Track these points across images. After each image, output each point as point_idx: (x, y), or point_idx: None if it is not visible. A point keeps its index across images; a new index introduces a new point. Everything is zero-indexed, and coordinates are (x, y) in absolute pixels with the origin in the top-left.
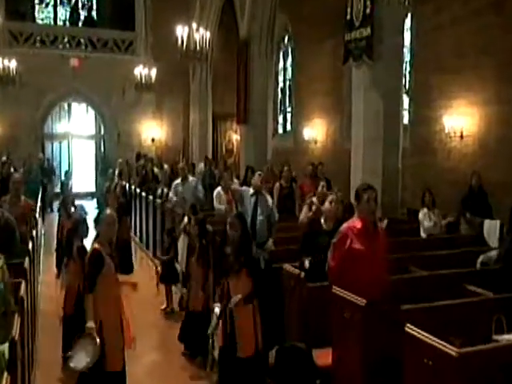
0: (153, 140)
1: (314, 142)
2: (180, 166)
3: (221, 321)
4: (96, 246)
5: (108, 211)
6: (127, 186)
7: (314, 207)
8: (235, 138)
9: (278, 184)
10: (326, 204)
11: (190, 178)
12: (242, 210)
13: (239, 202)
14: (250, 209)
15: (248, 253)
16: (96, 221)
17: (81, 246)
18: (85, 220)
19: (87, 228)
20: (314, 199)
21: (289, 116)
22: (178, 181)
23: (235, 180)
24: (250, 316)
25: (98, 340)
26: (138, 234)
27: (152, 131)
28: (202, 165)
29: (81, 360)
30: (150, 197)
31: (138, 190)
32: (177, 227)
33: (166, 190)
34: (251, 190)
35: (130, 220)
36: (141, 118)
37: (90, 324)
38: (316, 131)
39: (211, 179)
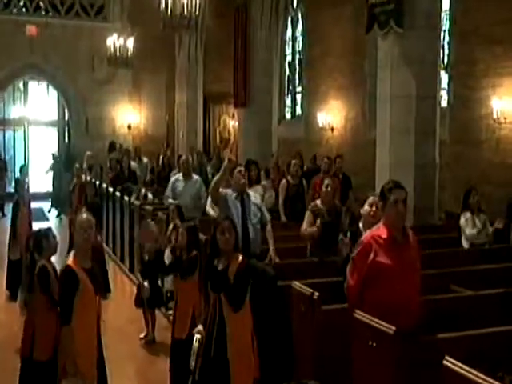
0: (129, 127)
1: (330, 130)
2: (183, 159)
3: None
4: (70, 261)
5: (84, 214)
6: (97, 183)
7: (317, 221)
8: (232, 124)
9: (284, 181)
10: (366, 207)
11: (195, 177)
12: None
13: (223, 209)
14: (235, 214)
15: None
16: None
17: (43, 267)
18: (48, 230)
19: (53, 239)
20: (318, 202)
21: (299, 98)
22: (179, 176)
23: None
24: (249, 347)
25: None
26: (110, 243)
27: (128, 116)
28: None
29: None
30: (126, 197)
31: (110, 189)
32: (161, 236)
33: (143, 190)
34: (232, 192)
35: (100, 226)
36: (115, 100)
37: (71, 366)
38: (332, 116)
39: (202, 175)
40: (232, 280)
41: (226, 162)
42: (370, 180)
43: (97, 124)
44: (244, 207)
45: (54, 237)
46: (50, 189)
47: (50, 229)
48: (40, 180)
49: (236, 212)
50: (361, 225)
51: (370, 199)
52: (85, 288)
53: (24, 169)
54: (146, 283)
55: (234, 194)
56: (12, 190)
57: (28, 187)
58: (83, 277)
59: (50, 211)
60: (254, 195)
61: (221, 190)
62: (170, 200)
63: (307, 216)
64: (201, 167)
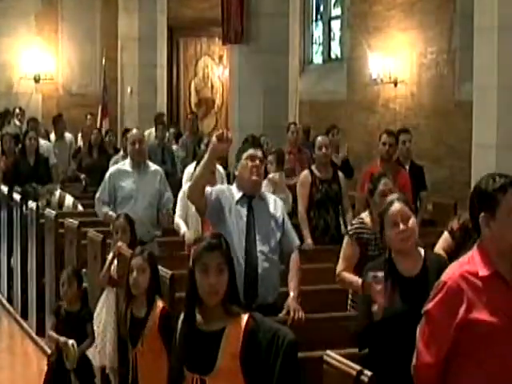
0: (37, 80)
1: (393, 85)
2: (133, 134)
3: None
4: None
5: None
6: None
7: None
8: (218, 74)
9: (305, 173)
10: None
11: (152, 167)
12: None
13: (214, 222)
14: (235, 232)
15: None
16: None
17: None
18: None
19: None
20: (367, 218)
21: (336, 27)
22: (124, 165)
23: (218, 167)
24: None
25: None
26: (1, 280)
27: (36, 60)
28: (151, 130)
29: None
30: (32, 203)
31: (3, 189)
32: (92, 268)
33: (59, 191)
34: (236, 193)
35: None
36: (11, 32)
37: None
38: (395, 60)
39: (166, 164)
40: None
41: (213, 140)
42: (460, 172)
43: None
44: (253, 221)
45: None
46: None
47: None
48: None
49: (237, 227)
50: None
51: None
52: None
53: None
54: (71, 341)
55: (238, 196)
56: None
57: None
58: None
59: None
60: (275, 201)
61: (209, 188)
62: (107, 209)
63: (346, 245)
64: (163, 149)
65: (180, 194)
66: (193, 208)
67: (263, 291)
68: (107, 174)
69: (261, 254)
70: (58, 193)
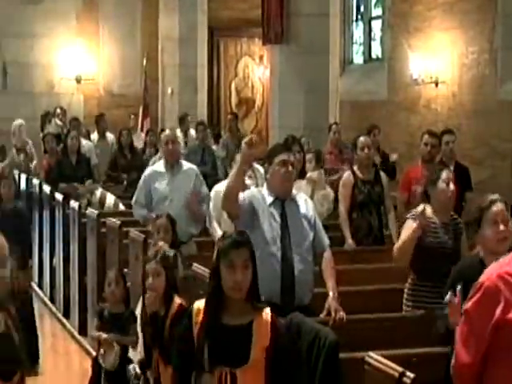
0: (79, 80)
1: (434, 85)
2: (167, 134)
3: None
4: None
5: None
6: (23, 177)
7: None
8: (259, 75)
9: (348, 174)
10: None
11: (187, 166)
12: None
13: (247, 223)
14: (270, 235)
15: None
16: None
17: None
18: None
19: None
20: (429, 210)
21: (377, 27)
22: (159, 166)
23: (257, 167)
24: None
25: None
26: (44, 279)
27: (77, 61)
28: (191, 132)
29: None
30: (74, 203)
31: (46, 189)
32: (133, 268)
33: (100, 190)
34: (268, 196)
35: (27, 253)
36: (52, 33)
37: None
38: (437, 60)
39: (206, 164)
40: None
41: (243, 146)
42: (502, 173)
43: (21, 74)
44: (287, 223)
45: None
46: None
47: None
48: None
49: (271, 231)
50: (481, 253)
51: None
52: None
53: None
54: (115, 345)
55: (270, 200)
56: None
57: None
58: None
59: None
60: (305, 201)
61: (241, 194)
62: (145, 212)
63: (407, 226)
64: (203, 150)
65: (212, 195)
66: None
67: (300, 293)
68: (142, 177)
69: (296, 256)
70: (99, 192)
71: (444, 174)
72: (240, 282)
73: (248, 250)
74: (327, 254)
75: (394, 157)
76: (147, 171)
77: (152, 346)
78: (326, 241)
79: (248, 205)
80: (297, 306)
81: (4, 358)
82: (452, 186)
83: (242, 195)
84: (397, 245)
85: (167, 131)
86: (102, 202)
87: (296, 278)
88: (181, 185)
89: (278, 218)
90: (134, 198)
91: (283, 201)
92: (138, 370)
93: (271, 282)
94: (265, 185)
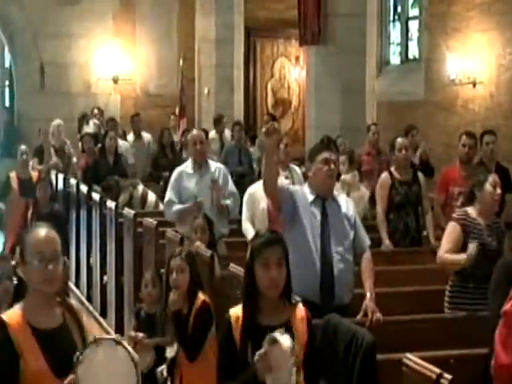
0: (116, 81)
1: (472, 85)
2: (194, 135)
3: None
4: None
5: (42, 230)
6: (61, 177)
7: (472, 246)
8: (295, 76)
9: (385, 176)
10: None
11: (214, 166)
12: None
13: (289, 219)
14: (310, 233)
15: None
16: None
17: None
18: None
19: None
20: (471, 211)
21: (414, 27)
22: (186, 166)
23: (293, 167)
24: None
25: None
26: (81, 279)
27: (114, 61)
28: (212, 133)
29: None
30: (110, 203)
31: (83, 188)
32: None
33: (141, 187)
34: (309, 194)
35: (66, 252)
36: (89, 33)
37: None
38: (474, 61)
39: (243, 165)
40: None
41: (263, 136)
42: None
43: (59, 75)
44: (327, 222)
45: None
46: None
47: None
48: None
49: (311, 229)
50: None
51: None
52: (31, 368)
53: None
54: (151, 348)
55: (311, 198)
56: None
57: None
58: (31, 346)
59: None
60: (346, 201)
61: (284, 185)
62: (174, 209)
63: (450, 229)
64: (240, 150)
65: (245, 197)
66: (259, 209)
67: (339, 292)
68: (171, 178)
69: (336, 255)
70: (140, 188)
71: (491, 177)
72: (275, 278)
73: (282, 248)
74: (367, 255)
75: (423, 146)
76: (176, 172)
77: (175, 341)
78: (367, 242)
79: (290, 197)
80: (336, 305)
81: (63, 351)
82: (499, 190)
83: (284, 186)
84: (443, 255)
85: (194, 131)
86: (144, 197)
87: (335, 278)
88: (209, 184)
89: (318, 217)
90: (165, 199)
91: (324, 199)
92: (164, 373)
93: (310, 280)
94: (306, 183)
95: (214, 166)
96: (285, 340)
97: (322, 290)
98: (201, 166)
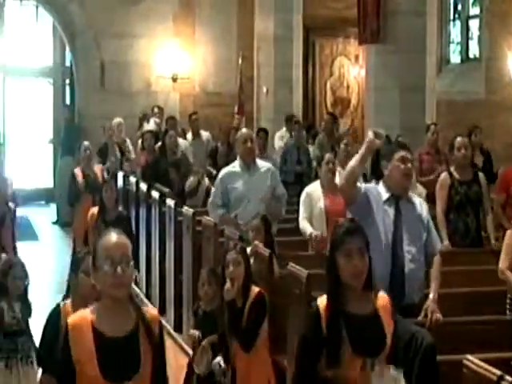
0: (175, 79)
1: None
2: (244, 133)
3: None
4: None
5: (113, 235)
6: (121, 176)
7: None
8: (354, 75)
9: (444, 175)
10: None
11: (263, 166)
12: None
13: (361, 215)
14: (382, 231)
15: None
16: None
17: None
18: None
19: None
20: None
21: (474, 26)
22: (234, 166)
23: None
24: None
25: None
26: (141, 281)
27: (173, 60)
28: (282, 132)
29: None
30: (170, 201)
31: (143, 187)
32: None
33: (207, 181)
34: (384, 192)
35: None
36: (150, 32)
37: None
38: None
39: (302, 164)
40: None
41: (369, 135)
42: None
43: (119, 73)
44: (400, 221)
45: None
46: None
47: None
48: (26, 168)
49: (384, 227)
50: None
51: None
52: (86, 375)
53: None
54: (209, 351)
55: (385, 196)
56: None
57: (9, 182)
58: (89, 353)
59: (58, 222)
60: (420, 202)
61: (358, 183)
62: (222, 211)
63: (509, 239)
64: (299, 149)
65: (302, 196)
66: (317, 208)
67: (409, 291)
68: (218, 178)
69: (407, 254)
70: (207, 181)
71: None
72: (359, 266)
73: (362, 237)
74: (437, 258)
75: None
76: (223, 172)
77: (229, 334)
78: (439, 245)
79: (364, 195)
80: (406, 304)
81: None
82: None
83: (359, 184)
84: (505, 271)
85: (244, 130)
86: (207, 190)
87: (406, 277)
88: (257, 184)
89: (391, 216)
90: (210, 199)
91: (398, 199)
92: (222, 364)
93: (380, 278)
94: (380, 182)
95: (263, 165)
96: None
97: (391, 288)
98: (249, 165)
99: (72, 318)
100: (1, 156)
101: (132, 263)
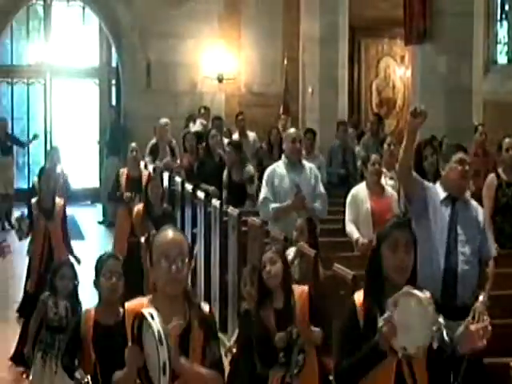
0: (221, 80)
1: None
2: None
3: None
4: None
5: (170, 232)
6: (166, 176)
7: None
8: (400, 74)
9: (491, 176)
10: None
11: (307, 165)
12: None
13: (417, 211)
14: (437, 230)
15: None
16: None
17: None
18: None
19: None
20: None
21: None
22: (279, 164)
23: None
24: None
25: None
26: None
27: (219, 61)
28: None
29: None
30: (215, 201)
31: (188, 187)
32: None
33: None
34: (442, 192)
35: None
36: (196, 33)
37: None
38: None
39: (347, 164)
40: None
41: (408, 117)
42: None
43: (165, 74)
44: (456, 222)
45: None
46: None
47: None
48: (75, 168)
49: (439, 227)
50: None
51: None
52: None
53: (53, 152)
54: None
55: (443, 196)
56: (27, 186)
57: (65, 180)
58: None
59: (104, 222)
60: (477, 206)
61: (419, 178)
62: (274, 205)
63: None
64: (344, 150)
65: (348, 198)
66: (363, 210)
67: (462, 293)
68: (264, 176)
69: (462, 255)
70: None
71: None
72: (404, 261)
73: (410, 232)
74: (491, 263)
75: None
76: (268, 170)
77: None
78: (493, 250)
79: (423, 189)
80: (458, 305)
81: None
82: None
83: (420, 179)
84: None
85: (292, 129)
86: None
87: (459, 278)
88: (302, 183)
89: (447, 216)
90: (260, 197)
91: (455, 200)
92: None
93: (433, 278)
94: (437, 182)
95: (307, 165)
96: (421, 293)
97: (444, 289)
98: (295, 164)
99: (129, 304)
100: (54, 153)
101: (187, 260)
